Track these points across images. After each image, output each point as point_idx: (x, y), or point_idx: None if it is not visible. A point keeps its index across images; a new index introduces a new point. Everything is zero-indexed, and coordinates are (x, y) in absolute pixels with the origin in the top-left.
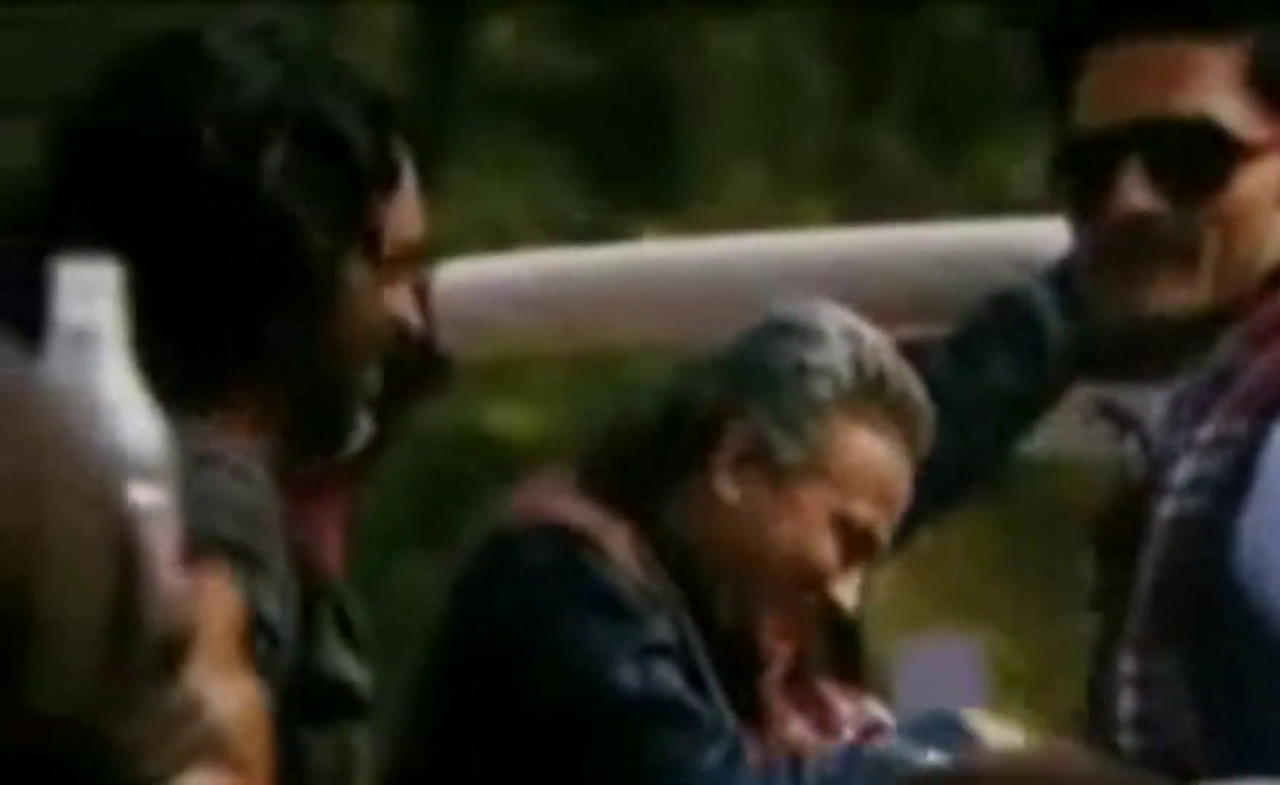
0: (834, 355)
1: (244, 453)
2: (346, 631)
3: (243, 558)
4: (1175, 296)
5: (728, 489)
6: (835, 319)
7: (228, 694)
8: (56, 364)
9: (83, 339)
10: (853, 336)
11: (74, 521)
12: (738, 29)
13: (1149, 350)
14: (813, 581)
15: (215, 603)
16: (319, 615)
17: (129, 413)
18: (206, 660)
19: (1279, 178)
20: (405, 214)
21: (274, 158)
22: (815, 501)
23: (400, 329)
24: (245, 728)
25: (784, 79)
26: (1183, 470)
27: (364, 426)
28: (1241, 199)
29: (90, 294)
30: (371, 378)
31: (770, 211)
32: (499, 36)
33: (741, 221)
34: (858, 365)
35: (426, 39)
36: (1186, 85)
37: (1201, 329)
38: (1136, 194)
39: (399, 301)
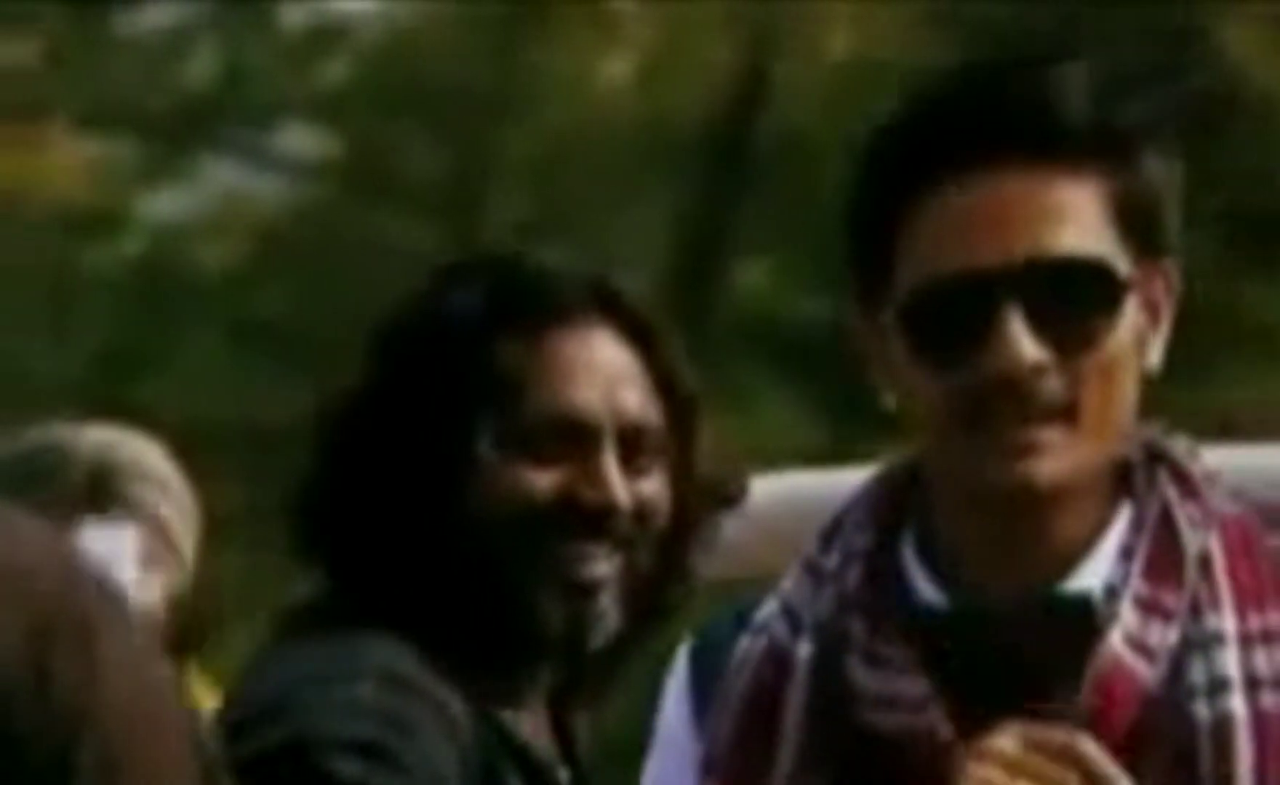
0: None
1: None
2: None
3: (375, 755)
4: (1055, 463)
5: None
6: None
7: None
8: None
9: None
10: None
11: None
12: None
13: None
14: None
15: None
16: None
17: None
18: None
19: (1136, 323)
20: (595, 393)
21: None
22: None
23: (605, 506)
24: None
25: None
26: (1223, 666)
27: (599, 611)
28: (1119, 346)
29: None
30: (564, 557)
31: None
32: (753, 276)
33: None
34: None
35: (685, 276)
36: (1066, 223)
37: (1064, 501)
38: (1025, 344)
39: (605, 479)
